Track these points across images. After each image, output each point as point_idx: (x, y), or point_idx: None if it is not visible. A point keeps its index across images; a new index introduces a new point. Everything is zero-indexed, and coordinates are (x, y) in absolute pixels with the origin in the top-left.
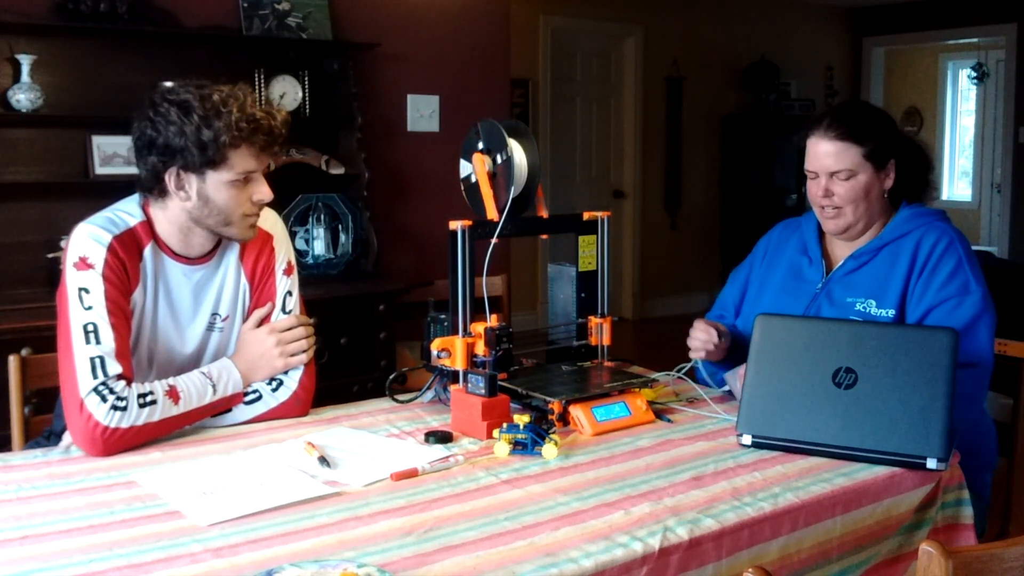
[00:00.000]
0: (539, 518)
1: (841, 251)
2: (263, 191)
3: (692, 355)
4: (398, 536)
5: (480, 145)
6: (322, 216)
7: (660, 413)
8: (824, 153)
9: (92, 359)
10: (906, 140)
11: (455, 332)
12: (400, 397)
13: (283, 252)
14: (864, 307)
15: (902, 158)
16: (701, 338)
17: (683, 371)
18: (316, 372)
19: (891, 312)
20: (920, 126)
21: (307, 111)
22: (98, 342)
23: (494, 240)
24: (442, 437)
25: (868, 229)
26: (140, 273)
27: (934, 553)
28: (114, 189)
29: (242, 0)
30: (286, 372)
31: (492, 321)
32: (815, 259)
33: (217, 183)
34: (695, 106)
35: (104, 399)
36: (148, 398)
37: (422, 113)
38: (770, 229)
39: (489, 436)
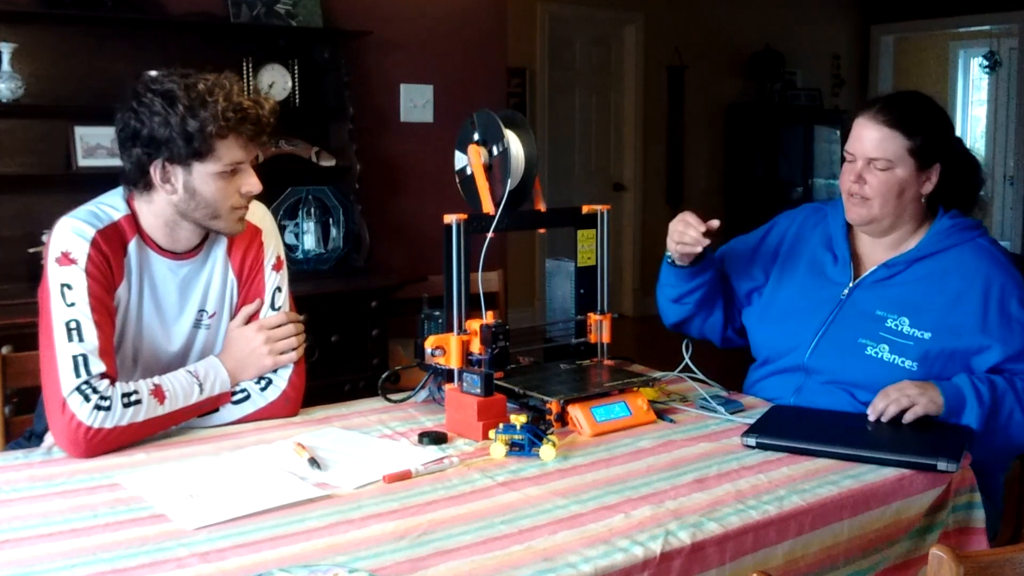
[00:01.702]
0: (536, 522)
1: (873, 255)
2: (251, 183)
3: (674, 249)
4: (391, 540)
5: (476, 136)
6: (312, 209)
7: (662, 413)
8: (867, 137)
9: (75, 357)
10: (959, 148)
11: (450, 329)
12: (393, 397)
13: (272, 247)
14: (896, 324)
15: (949, 164)
16: (693, 236)
17: (685, 370)
18: (306, 371)
19: (927, 335)
20: None
21: (297, 101)
22: (81, 340)
23: (490, 234)
24: (436, 438)
25: (894, 231)
26: (124, 268)
27: (945, 558)
28: (98, 182)
29: None
30: (275, 371)
31: (488, 318)
32: (842, 258)
33: (204, 175)
34: (698, 96)
35: (87, 399)
36: (132, 397)
37: (416, 103)
38: (795, 208)
39: (485, 437)
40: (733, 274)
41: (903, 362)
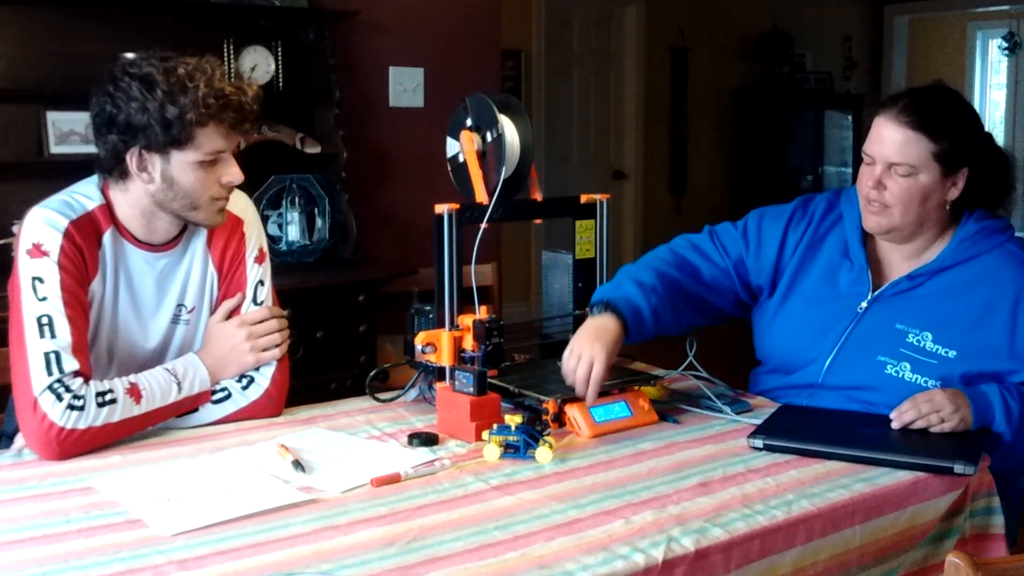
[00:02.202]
0: (532, 527)
1: (893, 263)
2: (233, 172)
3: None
4: (379, 547)
5: (468, 122)
6: (296, 199)
7: (664, 413)
8: (888, 139)
9: (46, 354)
10: (989, 147)
11: (441, 325)
12: (381, 396)
13: (254, 238)
14: (918, 340)
15: (977, 167)
16: (582, 383)
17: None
18: (290, 368)
19: (952, 353)
20: None
21: (280, 85)
22: (53, 336)
23: (483, 225)
24: (427, 439)
25: (915, 238)
26: (99, 261)
27: (962, 565)
28: (71, 170)
29: None
30: (257, 368)
31: (481, 313)
32: (858, 266)
33: (183, 164)
34: (702, 79)
35: (59, 398)
36: (107, 397)
37: (405, 87)
38: (810, 199)
39: (478, 438)
40: (746, 259)
41: (926, 382)
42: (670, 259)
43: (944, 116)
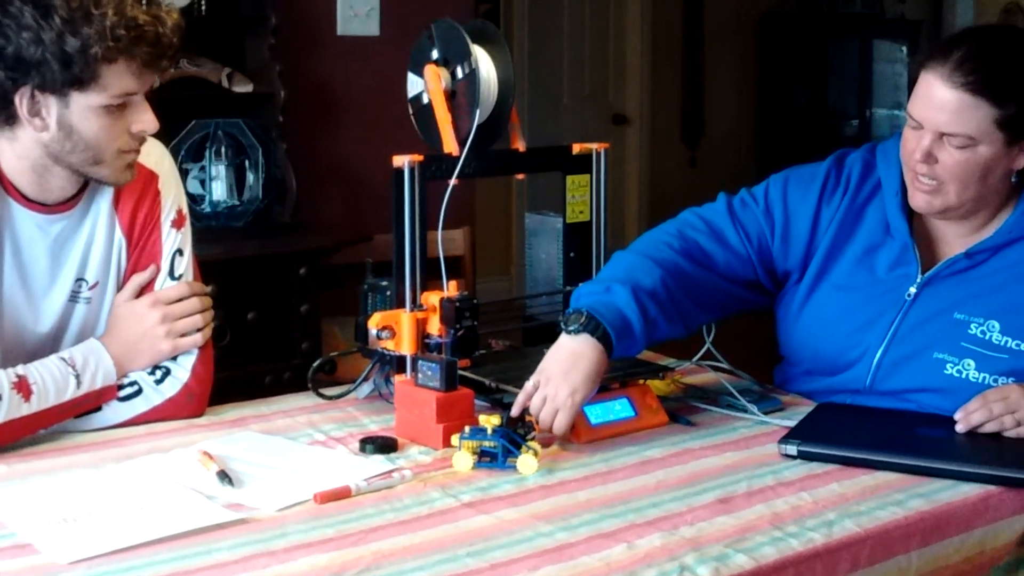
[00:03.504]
0: (513, 553)
1: (948, 239)
2: (146, 120)
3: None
4: None
5: (434, 54)
6: (223, 149)
7: (675, 413)
8: (939, 103)
9: None
10: None
11: (401, 305)
12: (327, 392)
13: (171, 198)
14: (982, 331)
15: None
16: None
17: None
18: (215, 358)
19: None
20: None
21: (202, 8)
22: None
23: (453, 181)
24: (383, 445)
25: (973, 215)
26: None
27: None
28: None
29: None
30: (174, 358)
31: (451, 290)
32: (902, 242)
33: (85, 109)
34: (721, 3)
35: None
36: None
37: (356, 11)
38: (844, 156)
39: (446, 444)
40: (771, 243)
41: (995, 380)
42: (678, 245)
43: (1012, 72)
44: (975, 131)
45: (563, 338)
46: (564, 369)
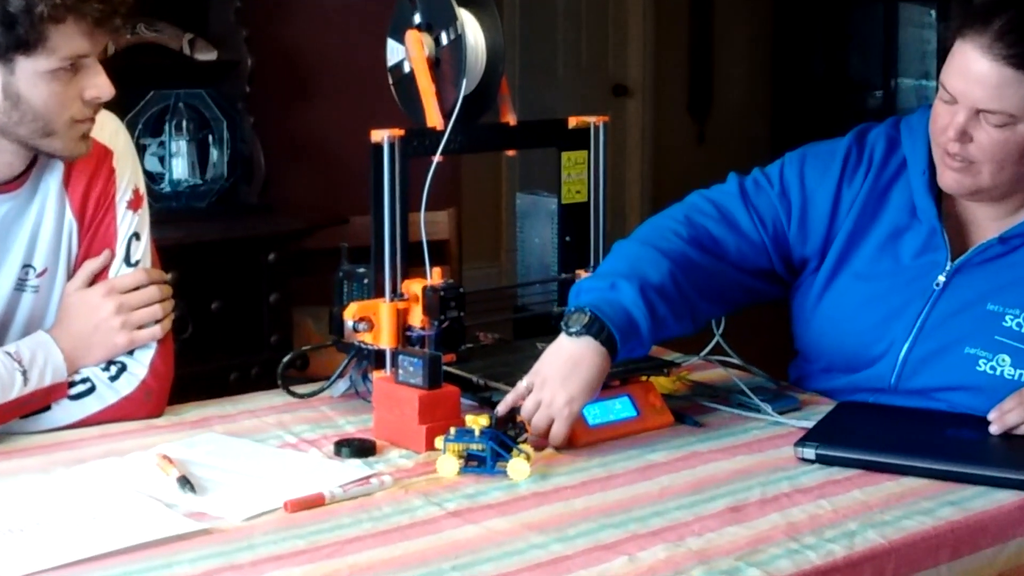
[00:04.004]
0: (503, 567)
1: (980, 223)
2: (99, 84)
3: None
4: None
5: (416, 18)
6: (184, 123)
7: (682, 413)
8: (977, 77)
9: None
10: None
11: (380, 294)
12: (299, 389)
13: (127, 176)
14: (1018, 324)
15: None
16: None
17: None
18: (175, 352)
19: None
20: None
21: None
22: None
23: (437, 158)
24: (360, 448)
25: (1008, 197)
26: None
27: None
28: None
29: None
30: (131, 352)
31: (435, 277)
32: (929, 227)
33: (32, 75)
34: None
35: None
36: None
37: None
38: (866, 132)
39: (430, 447)
40: (787, 229)
41: None
42: (686, 233)
43: None
44: (1016, 108)
45: (563, 339)
46: (562, 374)
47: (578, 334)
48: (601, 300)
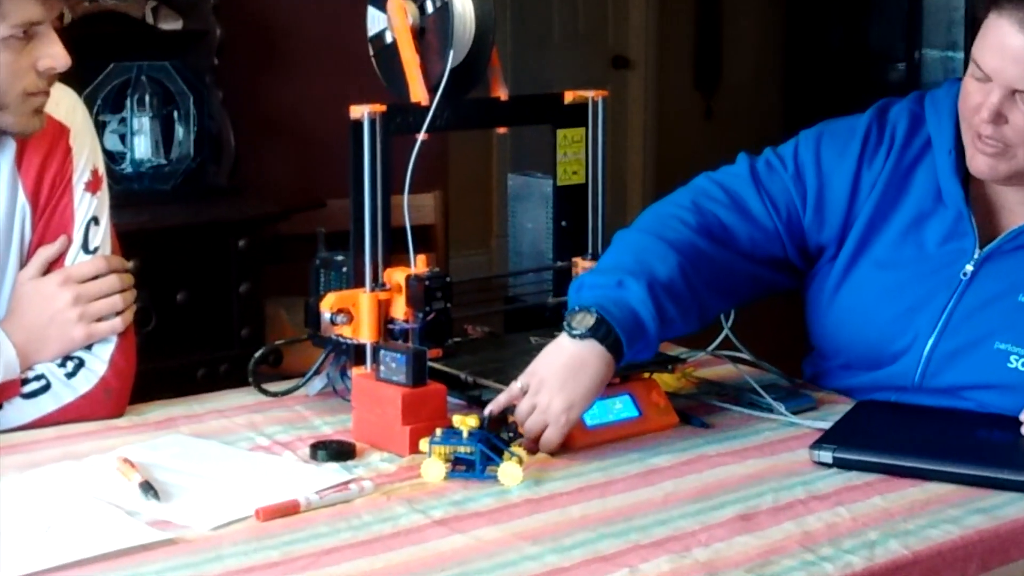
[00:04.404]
0: None
1: (1010, 208)
2: (55, 54)
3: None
4: None
5: None
6: (147, 98)
7: (688, 413)
8: (1014, 54)
9: None
10: None
11: (360, 283)
12: (271, 387)
13: (85, 155)
14: None
15: None
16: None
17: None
18: (138, 347)
19: None
20: None
21: None
22: None
23: (422, 136)
24: (338, 451)
25: None
26: None
27: None
28: None
29: None
30: (89, 347)
31: (419, 266)
32: (955, 212)
33: None
34: None
35: None
36: None
37: None
38: (888, 107)
39: (414, 450)
40: (802, 214)
41: None
42: (694, 222)
43: None
44: None
45: (565, 340)
46: (562, 378)
47: (582, 336)
48: (607, 299)
